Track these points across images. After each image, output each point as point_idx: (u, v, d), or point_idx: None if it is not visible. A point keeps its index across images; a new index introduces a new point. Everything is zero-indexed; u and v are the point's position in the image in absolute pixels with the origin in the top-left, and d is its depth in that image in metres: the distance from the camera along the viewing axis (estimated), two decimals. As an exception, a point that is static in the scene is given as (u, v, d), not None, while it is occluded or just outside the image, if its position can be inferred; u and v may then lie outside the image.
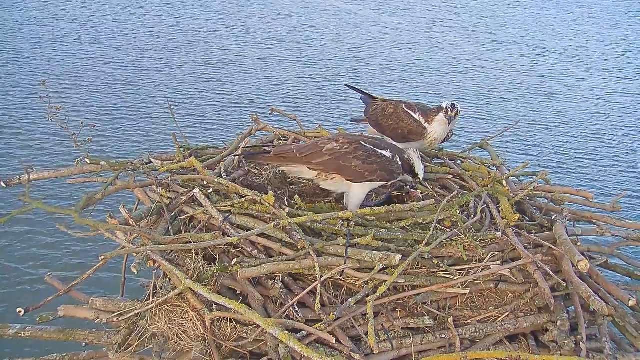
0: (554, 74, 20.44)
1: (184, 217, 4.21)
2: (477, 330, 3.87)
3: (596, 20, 31.51)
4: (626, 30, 29.71)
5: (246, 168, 4.74)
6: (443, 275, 3.87)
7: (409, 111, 4.89)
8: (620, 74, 21.19)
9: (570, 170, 12.83)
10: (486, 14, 30.32)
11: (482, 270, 3.90)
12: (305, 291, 3.66)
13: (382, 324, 3.76)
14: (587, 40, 26.63)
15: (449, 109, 4.72)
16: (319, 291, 3.53)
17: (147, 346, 3.67)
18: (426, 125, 4.84)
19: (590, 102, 17.81)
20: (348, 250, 3.72)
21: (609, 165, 13.33)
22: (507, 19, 29.68)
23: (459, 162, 5.42)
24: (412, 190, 4.70)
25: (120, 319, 3.76)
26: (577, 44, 25.69)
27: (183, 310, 3.65)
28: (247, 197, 4.06)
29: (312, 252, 3.66)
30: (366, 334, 3.52)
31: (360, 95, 5.46)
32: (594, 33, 28.16)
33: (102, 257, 3.78)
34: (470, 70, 19.74)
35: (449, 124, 4.84)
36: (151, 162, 4.81)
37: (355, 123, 5.84)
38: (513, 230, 4.17)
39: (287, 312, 3.60)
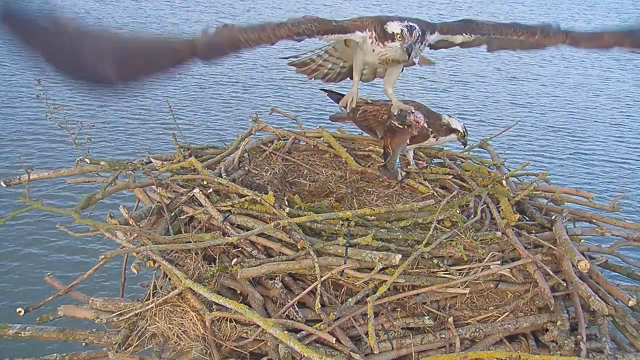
0: (553, 73, 20.43)
1: (184, 217, 4.21)
2: (477, 330, 3.87)
3: (598, 18, 31.50)
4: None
5: (246, 168, 4.75)
6: (443, 275, 3.87)
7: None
8: (621, 74, 21.18)
9: (570, 170, 12.82)
10: (484, 11, 30.32)
11: (482, 270, 3.90)
12: (305, 291, 3.66)
13: (382, 324, 3.76)
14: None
15: (465, 134, 4.87)
16: (319, 291, 3.53)
17: (147, 346, 3.68)
18: (431, 131, 4.84)
19: (591, 102, 17.79)
20: (348, 250, 3.72)
21: (609, 165, 13.32)
22: (506, 17, 29.67)
23: (459, 162, 5.42)
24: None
25: (120, 319, 3.76)
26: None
27: (183, 310, 3.66)
28: (247, 197, 4.06)
29: (312, 252, 3.66)
30: (366, 334, 3.52)
31: (336, 98, 5.31)
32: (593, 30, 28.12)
33: (102, 257, 3.79)
34: (469, 69, 19.72)
35: (465, 147, 5.12)
36: (151, 162, 4.81)
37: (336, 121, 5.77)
38: (513, 230, 4.17)
39: (287, 312, 3.60)
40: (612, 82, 20.21)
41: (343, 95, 5.27)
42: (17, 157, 10.29)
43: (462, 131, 4.83)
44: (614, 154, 14.04)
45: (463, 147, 5.18)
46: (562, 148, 14.05)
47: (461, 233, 4.00)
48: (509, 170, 5.24)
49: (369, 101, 5.11)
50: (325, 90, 5.52)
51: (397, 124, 4.74)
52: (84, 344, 4.12)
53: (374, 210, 4.16)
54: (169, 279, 3.81)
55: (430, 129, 4.82)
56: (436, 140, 4.89)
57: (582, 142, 14.63)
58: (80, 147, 4.62)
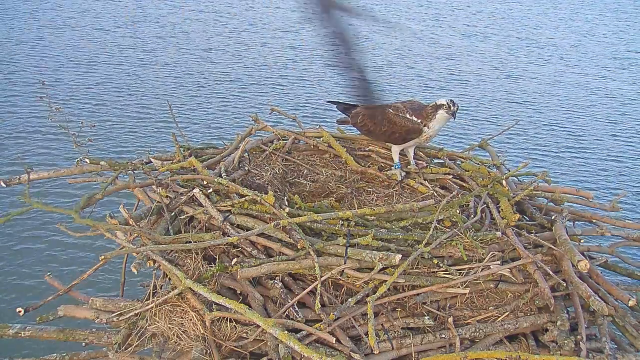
0: (553, 73, 20.44)
1: (184, 217, 4.21)
2: (477, 330, 3.87)
3: (596, 17, 31.50)
4: (629, 26, 29.69)
5: (246, 168, 4.75)
6: (443, 275, 3.88)
7: (398, 114, 4.89)
8: (621, 74, 21.19)
9: (570, 170, 12.82)
10: (482, 11, 30.31)
11: (482, 270, 3.90)
12: (305, 291, 3.67)
13: (382, 324, 3.76)
14: (587, 38, 26.62)
15: (451, 105, 4.73)
16: (319, 291, 3.53)
17: (147, 346, 3.67)
18: (421, 122, 4.83)
19: (591, 102, 17.80)
20: (348, 250, 3.72)
21: (609, 165, 13.33)
22: (507, 17, 29.67)
23: (459, 162, 5.42)
24: None
25: (120, 318, 3.76)
26: (577, 42, 25.68)
27: (183, 310, 3.66)
28: (247, 197, 4.06)
29: (312, 252, 3.66)
30: (366, 334, 3.53)
31: (342, 107, 5.47)
32: (594, 31, 28.15)
33: (102, 257, 3.79)
34: (469, 70, 19.73)
35: (454, 118, 4.84)
36: (151, 162, 4.81)
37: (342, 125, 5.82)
38: (513, 230, 4.18)
39: (287, 312, 3.60)
40: (608, 80, 20.24)
41: (349, 105, 5.36)
42: (17, 156, 10.29)
43: (446, 103, 4.74)
44: (610, 152, 14.06)
45: (453, 118, 4.86)
46: (560, 146, 14.06)
47: (461, 233, 4.00)
48: (509, 170, 5.24)
49: (367, 105, 5.16)
50: (331, 102, 5.69)
51: None
52: (84, 344, 4.11)
53: (374, 210, 4.16)
54: (169, 279, 3.80)
55: (419, 120, 4.82)
56: (429, 128, 4.84)
57: (580, 140, 14.65)
58: (81, 147, 4.61)
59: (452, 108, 4.73)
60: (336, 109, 5.52)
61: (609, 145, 14.55)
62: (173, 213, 4.22)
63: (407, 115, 4.84)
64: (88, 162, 4.57)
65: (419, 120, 4.82)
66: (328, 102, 5.77)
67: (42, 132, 11.77)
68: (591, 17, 32.09)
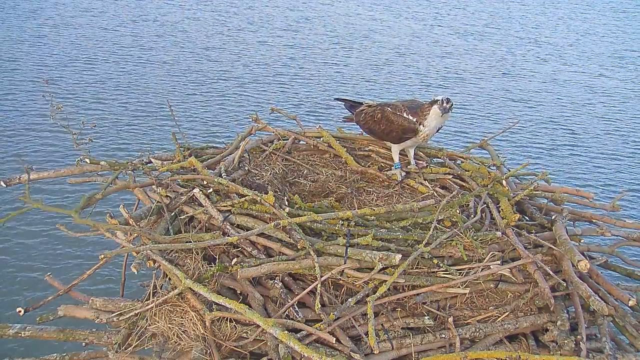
0: (553, 74, 20.43)
1: (184, 217, 4.21)
2: (477, 330, 3.87)
3: (595, 16, 31.48)
4: (629, 25, 29.67)
5: (246, 168, 4.75)
6: (443, 275, 3.88)
7: (396, 112, 4.91)
8: (620, 72, 21.18)
9: (570, 170, 12.82)
10: (482, 10, 30.30)
11: (482, 270, 3.90)
12: (305, 291, 3.67)
13: (382, 324, 3.76)
14: (585, 37, 26.61)
15: (444, 101, 4.73)
16: (319, 291, 3.53)
17: (147, 346, 3.68)
18: (417, 121, 4.84)
19: (589, 100, 17.80)
20: (348, 250, 3.72)
21: (609, 165, 13.33)
22: (506, 17, 29.66)
23: (459, 162, 5.42)
24: None
25: (120, 318, 3.76)
26: (575, 40, 25.67)
27: (183, 310, 3.66)
28: (247, 197, 4.06)
29: (312, 252, 3.66)
30: (366, 333, 3.53)
31: (348, 105, 5.59)
32: (592, 30, 28.14)
33: (102, 257, 3.78)
34: (468, 69, 19.72)
35: (448, 114, 4.79)
36: (151, 162, 4.81)
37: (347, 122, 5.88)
38: (513, 230, 4.17)
39: (287, 312, 3.61)
40: (606, 79, 20.24)
41: (356, 103, 5.49)
42: (17, 156, 10.28)
43: (440, 99, 4.73)
44: (608, 150, 14.07)
45: (446, 111, 4.74)
46: (558, 144, 14.06)
47: (461, 233, 4.00)
48: (509, 170, 5.24)
49: (371, 104, 5.22)
50: (339, 99, 5.81)
51: None
52: (84, 344, 4.11)
53: (374, 210, 4.16)
54: (169, 278, 3.81)
55: (415, 119, 4.83)
56: (424, 127, 4.83)
57: (578, 138, 14.65)
58: (81, 147, 4.61)
59: (445, 105, 4.73)
60: (336, 109, 5.57)
61: (607, 143, 14.55)
62: (173, 213, 4.22)
63: (404, 114, 4.86)
64: (88, 162, 4.57)
65: (415, 119, 4.83)
66: (335, 99, 5.88)
67: (43, 132, 11.76)
68: (590, 16, 32.09)
